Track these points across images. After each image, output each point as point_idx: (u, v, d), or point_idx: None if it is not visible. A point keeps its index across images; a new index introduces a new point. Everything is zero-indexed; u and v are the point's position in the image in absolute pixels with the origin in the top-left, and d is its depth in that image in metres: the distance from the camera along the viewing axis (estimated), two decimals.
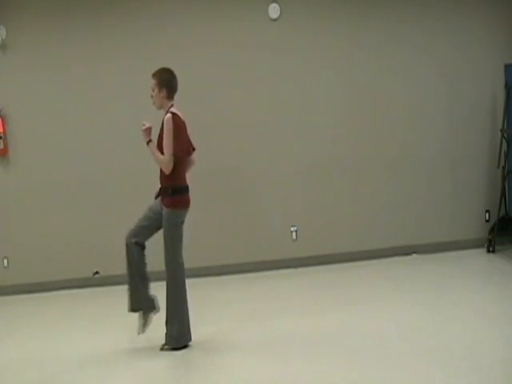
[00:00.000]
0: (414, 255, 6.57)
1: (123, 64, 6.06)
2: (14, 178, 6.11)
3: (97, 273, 6.23)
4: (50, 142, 6.12)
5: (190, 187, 4.30)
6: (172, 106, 4.16)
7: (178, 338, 4.17)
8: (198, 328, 4.42)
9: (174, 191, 4.12)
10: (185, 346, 4.19)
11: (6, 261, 6.14)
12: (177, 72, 5.67)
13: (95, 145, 6.13)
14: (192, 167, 4.42)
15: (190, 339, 4.23)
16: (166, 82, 4.14)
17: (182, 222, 4.22)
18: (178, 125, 4.08)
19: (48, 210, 6.13)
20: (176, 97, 4.00)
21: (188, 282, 4.27)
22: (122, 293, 5.92)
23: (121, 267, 6.03)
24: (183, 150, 4.15)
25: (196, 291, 5.73)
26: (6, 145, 6.05)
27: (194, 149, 4.36)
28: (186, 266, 4.22)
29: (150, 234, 4.23)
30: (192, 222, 6.25)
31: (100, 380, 3.86)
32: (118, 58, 6.10)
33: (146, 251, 4.24)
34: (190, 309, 4.23)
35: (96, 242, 6.17)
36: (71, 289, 6.14)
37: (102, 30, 6.10)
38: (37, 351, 4.46)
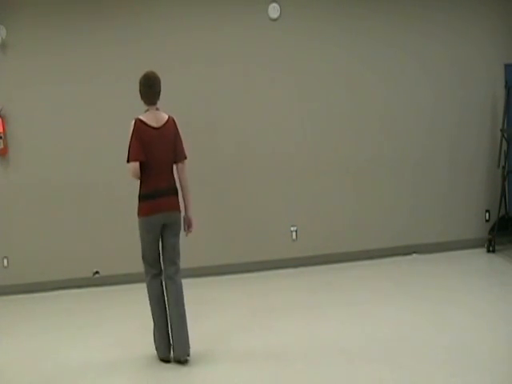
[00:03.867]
0: (414, 255, 6.57)
1: (125, 65, 6.04)
2: (14, 178, 6.10)
3: (97, 273, 6.23)
4: (50, 141, 6.11)
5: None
6: (147, 110, 4.16)
7: (156, 347, 4.13)
8: (197, 328, 4.42)
9: (138, 198, 4.14)
10: (163, 360, 4.07)
11: (5, 261, 6.14)
12: (176, 72, 5.64)
13: (95, 145, 6.13)
14: (182, 175, 4.21)
15: (166, 354, 4.08)
16: (140, 91, 4.21)
17: (151, 232, 4.06)
18: (137, 130, 4.02)
19: (48, 210, 6.13)
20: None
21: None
22: (121, 293, 5.91)
23: (121, 267, 6.09)
24: (136, 155, 3.98)
25: (195, 291, 5.74)
26: (6, 145, 6.05)
27: (185, 157, 4.22)
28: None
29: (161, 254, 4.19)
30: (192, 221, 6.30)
31: (99, 381, 3.86)
32: (120, 58, 6.09)
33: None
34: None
35: (96, 242, 6.17)
36: (71, 289, 6.14)
37: (102, 30, 6.08)
38: (36, 351, 4.46)
